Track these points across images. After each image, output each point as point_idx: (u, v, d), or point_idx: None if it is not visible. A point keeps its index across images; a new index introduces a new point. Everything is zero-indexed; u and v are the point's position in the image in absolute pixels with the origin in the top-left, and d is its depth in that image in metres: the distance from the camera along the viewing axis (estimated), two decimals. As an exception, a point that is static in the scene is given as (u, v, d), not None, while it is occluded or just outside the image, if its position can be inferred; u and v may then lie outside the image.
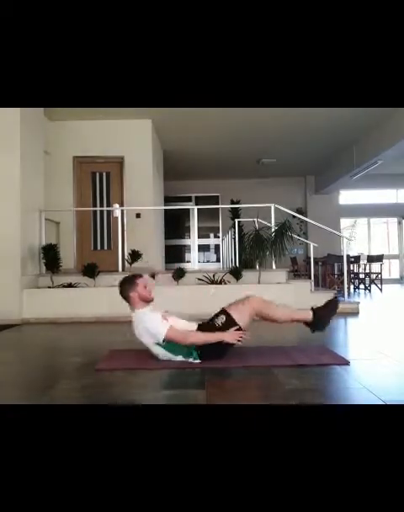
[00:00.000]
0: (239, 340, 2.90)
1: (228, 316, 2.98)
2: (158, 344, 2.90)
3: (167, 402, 2.24)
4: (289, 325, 3.25)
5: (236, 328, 2.93)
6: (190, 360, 2.93)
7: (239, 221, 7.09)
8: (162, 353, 2.95)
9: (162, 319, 2.92)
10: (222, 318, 2.99)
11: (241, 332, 2.91)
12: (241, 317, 2.98)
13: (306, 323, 3.11)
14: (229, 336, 2.89)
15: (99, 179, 7.69)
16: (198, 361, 2.92)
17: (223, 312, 3.03)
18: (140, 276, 3.10)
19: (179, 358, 2.94)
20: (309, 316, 3.08)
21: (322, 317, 3.06)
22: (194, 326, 3.02)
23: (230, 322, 2.95)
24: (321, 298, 5.78)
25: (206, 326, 3.02)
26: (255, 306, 3.02)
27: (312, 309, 3.11)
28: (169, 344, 2.89)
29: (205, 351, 2.91)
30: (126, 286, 3.02)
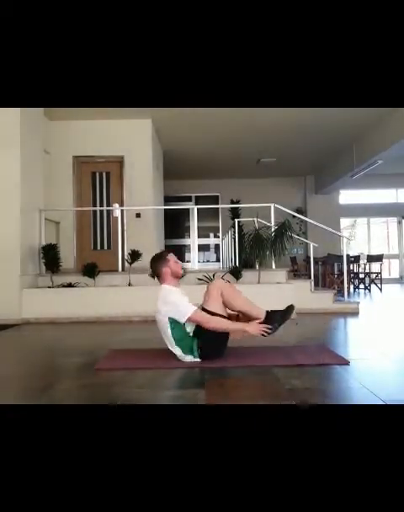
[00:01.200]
0: (263, 333, 2.92)
1: (207, 312, 2.98)
2: (173, 321, 2.90)
3: (167, 401, 2.24)
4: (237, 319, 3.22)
5: (259, 320, 2.95)
6: (189, 358, 2.93)
7: (239, 221, 7.08)
8: (168, 333, 2.94)
9: (190, 303, 2.95)
10: None
11: (264, 325, 2.93)
12: (215, 306, 2.99)
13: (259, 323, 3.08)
14: (252, 328, 2.91)
15: (99, 179, 7.69)
16: (197, 360, 2.92)
17: (202, 310, 3.02)
18: (171, 251, 3.18)
19: (177, 350, 2.95)
20: (261, 315, 3.04)
21: (271, 319, 3.01)
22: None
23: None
24: (322, 298, 5.87)
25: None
26: (219, 286, 3.04)
27: (267, 311, 3.08)
28: (181, 329, 2.90)
29: (206, 350, 2.91)
30: (159, 262, 3.07)
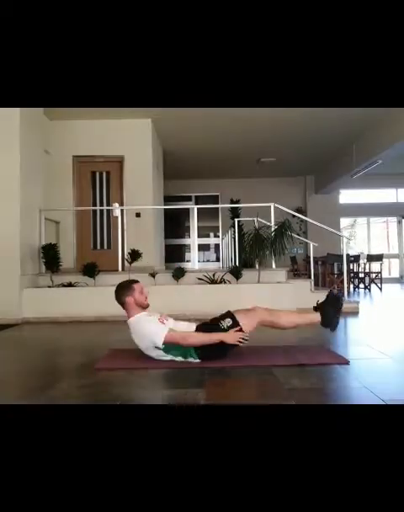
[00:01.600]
0: (240, 342, 2.90)
1: (234, 319, 2.98)
2: (157, 347, 2.89)
3: (167, 401, 2.24)
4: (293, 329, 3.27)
5: (237, 328, 2.94)
6: (190, 359, 2.93)
7: (239, 221, 7.08)
8: (162, 355, 2.93)
9: (159, 322, 2.91)
10: (229, 321, 2.98)
11: (241, 333, 2.91)
12: (247, 322, 2.99)
13: (321, 324, 3.14)
14: (230, 337, 2.88)
15: (99, 179, 7.69)
16: (197, 361, 2.92)
17: (229, 314, 3.03)
18: (137, 282, 3.12)
19: (179, 358, 2.94)
20: (315, 319, 3.11)
21: (327, 315, 3.08)
22: (194, 327, 3.02)
23: (235, 326, 2.96)
24: (322, 298, 5.84)
25: (210, 326, 3.02)
26: (259, 317, 3.04)
27: (315, 308, 3.13)
28: (167, 347, 2.89)
29: (205, 353, 2.91)
30: (123, 291, 3.02)
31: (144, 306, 3.03)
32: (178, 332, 2.89)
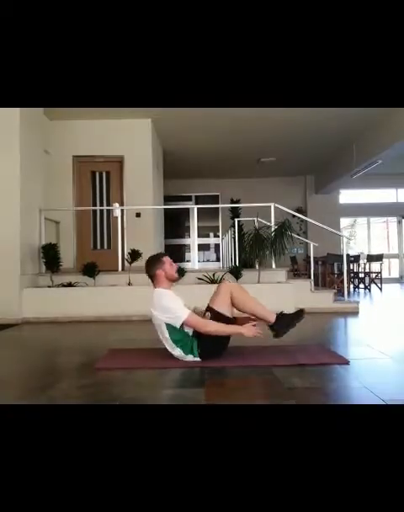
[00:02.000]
0: (257, 335, 2.92)
1: (213, 311, 3.01)
2: (170, 326, 2.90)
3: (167, 401, 2.24)
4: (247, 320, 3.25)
5: (253, 323, 2.97)
6: (189, 357, 2.93)
7: (239, 221, 7.08)
8: (166, 335, 2.94)
9: (184, 305, 2.96)
10: (208, 315, 3.02)
11: (258, 327, 2.94)
12: (224, 308, 3.02)
13: (269, 325, 3.11)
14: (246, 330, 2.91)
15: (99, 179, 7.69)
16: (197, 359, 2.93)
17: (208, 308, 3.06)
18: (166, 255, 3.17)
19: (177, 351, 2.95)
20: (271, 318, 3.08)
21: (281, 322, 3.05)
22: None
23: (217, 316, 2.99)
24: (322, 297, 5.87)
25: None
26: (228, 289, 3.06)
27: (277, 314, 3.11)
28: (178, 331, 2.90)
29: (206, 350, 2.92)
30: (153, 264, 3.05)
31: (173, 280, 3.09)
32: (199, 317, 2.94)
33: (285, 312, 3.17)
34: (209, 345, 2.93)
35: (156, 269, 3.02)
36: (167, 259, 3.09)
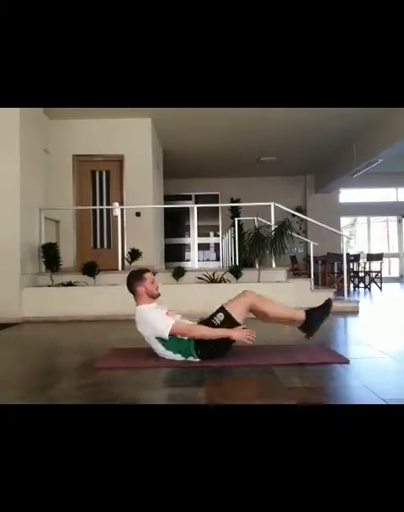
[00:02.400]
0: (248, 339, 2.89)
1: (226, 313, 3.00)
2: (160, 339, 2.91)
3: (167, 400, 2.25)
4: (278, 324, 3.27)
5: (243, 326, 2.95)
6: (190, 358, 2.93)
7: (239, 220, 7.08)
8: (161, 350, 2.95)
9: (165, 315, 2.95)
10: (221, 316, 3.00)
11: (249, 330, 2.91)
12: (238, 313, 3.00)
13: (299, 326, 3.11)
14: (237, 334, 2.89)
15: (99, 178, 7.68)
16: (197, 360, 2.93)
17: (221, 309, 3.05)
18: (148, 271, 3.13)
19: (178, 356, 2.95)
20: (302, 315, 3.08)
21: (312, 319, 3.06)
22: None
23: (228, 320, 2.97)
24: (322, 297, 5.85)
25: (205, 324, 3.03)
26: (249, 301, 3.05)
27: (306, 311, 3.12)
28: (171, 340, 2.90)
29: (205, 351, 2.92)
30: (134, 280, 3.05)
31: (154, 297, 3.06)
32: (184, 325, 2.92)
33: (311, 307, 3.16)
34: (208, 346, 2.93)
35: (137, 285, 3.03)
36: (149, 276, 3.07)
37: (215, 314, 3.06)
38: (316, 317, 3.07)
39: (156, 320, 2.91)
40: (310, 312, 3.09)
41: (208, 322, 3.03)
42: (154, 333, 2.91)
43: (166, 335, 2.87)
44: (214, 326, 2.97)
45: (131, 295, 3.09)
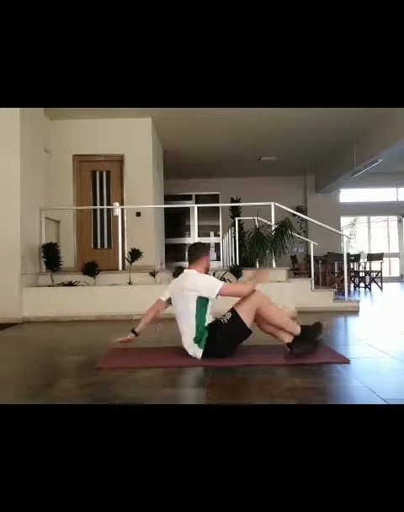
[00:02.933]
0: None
1: (234, 313, 3.04)
2: (201, 300, 3.01)
3: (168, 400, 2.25)
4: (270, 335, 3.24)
5: (237, 322, 3.00)
6: (194, 348, 2.99)
7: (239, 220, 7.08)
8: (192, 313, 3.01)
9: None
10: (228, 315, 3.05)
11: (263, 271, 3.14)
12: (245, 314, 3.02)
13: (288, 343, 3.11)
14: (260, 277, 3.21)
15: (99, 178, 7.68)
16: (200, 353, 2.97)
17: (231, 309, 3.09)
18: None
19: (187, 336, 3.02)
20: (296, 331, 3.09)
21: (306, 334, 3.07)
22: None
23: (234, 319, 3.01)
24: (322, 296, 5.87)
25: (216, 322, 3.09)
26: (257, 300, 3.07)
27: (302, 326, 3.13)
28: (202, 313, 3.01)
29: (211, 345, 2.97)
30: (202, 248, 3.30)
31: (207, 269, 3.30)
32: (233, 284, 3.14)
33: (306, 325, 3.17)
34: (215, 343, 2.97)
35: (203, 253, 3.25)
36: (210, 253, 3.29)
37: (225, 314, 3.09)
38: (299, 345, 3.05)
39: (209, 280, 3.10)
40: (304, 330, 3.10)
41: (218, 320, 3.08)
42: (201, 292, 3.00)
43: (215, 293, 2.99)
44: (222, 323, 3.02)
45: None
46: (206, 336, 2.99)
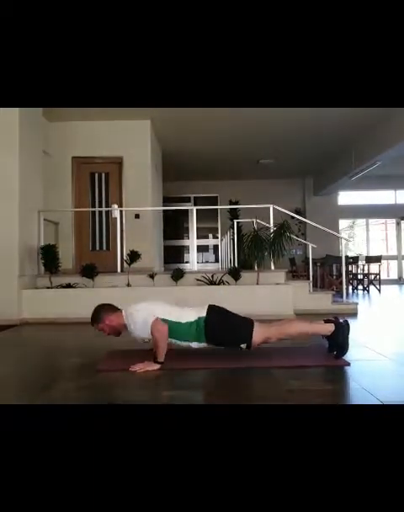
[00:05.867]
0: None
1: (250, 334, 2.96)
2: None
3: (167, 402, 2.24)
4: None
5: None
6: (194, 344, 2.99)
7: (238, 222, 7.09)
8: (174, 341, 2.98)
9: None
10: (244, 346, 2.98)
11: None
12: (257, 335, 2.94)
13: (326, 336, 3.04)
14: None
15: (98, 180, 7.68)
16: (204, 345, 2.98)
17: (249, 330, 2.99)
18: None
19: (195, 345, 3.00)
20: (329, 329, 2.99)
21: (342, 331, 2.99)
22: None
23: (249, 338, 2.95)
24: (320, 299, 5.87)
25: (219, 311, 3.06)
26: (271, 333, 2.99)
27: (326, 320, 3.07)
28: (180, 329, 2.94)
29: (212, 332, 2.94)
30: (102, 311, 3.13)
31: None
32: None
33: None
34: (215, 327, 2.94)
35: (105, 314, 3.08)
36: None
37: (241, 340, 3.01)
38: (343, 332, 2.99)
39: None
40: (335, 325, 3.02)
41: (221, 310, 3.08)
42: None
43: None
44: (235, 338, 2.98)
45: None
46: (201, 325, 2.92)
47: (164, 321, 2.90)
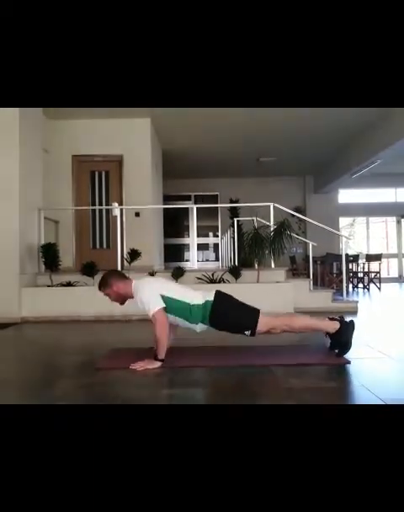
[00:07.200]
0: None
1: (256, 323, 2.98)
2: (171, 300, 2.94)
3: (167, 401, 2.24)
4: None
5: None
6: (199, 326, 3.00)
7: (238, 220, 7.08)
8: (180, 322, 3.01)
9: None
10: (248, 332, 3.00)
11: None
12: (262, 324, 2.97)
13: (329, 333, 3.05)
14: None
15: (98, 178, 7.68)
16: (205, 327, 3.00)
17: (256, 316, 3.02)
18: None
19: (199, 327, 3.01)
20: (333, 326, 3.01)
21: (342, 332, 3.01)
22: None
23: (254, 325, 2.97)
24: (320, 297, 5.87)
25: (225, 298, 3.08)
26: (275, 324, 3.02)
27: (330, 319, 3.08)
28: (183, 311, 2.96)
29: (216, 316, 2.96)
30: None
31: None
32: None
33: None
34: (221, 311, 2.97)
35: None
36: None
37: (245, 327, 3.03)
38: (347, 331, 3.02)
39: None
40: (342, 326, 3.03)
41: (226, 297, 3.09)
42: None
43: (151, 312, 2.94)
44: (239, 320, 3.01)
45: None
46: (207, 308, 2.93)
47: (172, 300, 2.92)
